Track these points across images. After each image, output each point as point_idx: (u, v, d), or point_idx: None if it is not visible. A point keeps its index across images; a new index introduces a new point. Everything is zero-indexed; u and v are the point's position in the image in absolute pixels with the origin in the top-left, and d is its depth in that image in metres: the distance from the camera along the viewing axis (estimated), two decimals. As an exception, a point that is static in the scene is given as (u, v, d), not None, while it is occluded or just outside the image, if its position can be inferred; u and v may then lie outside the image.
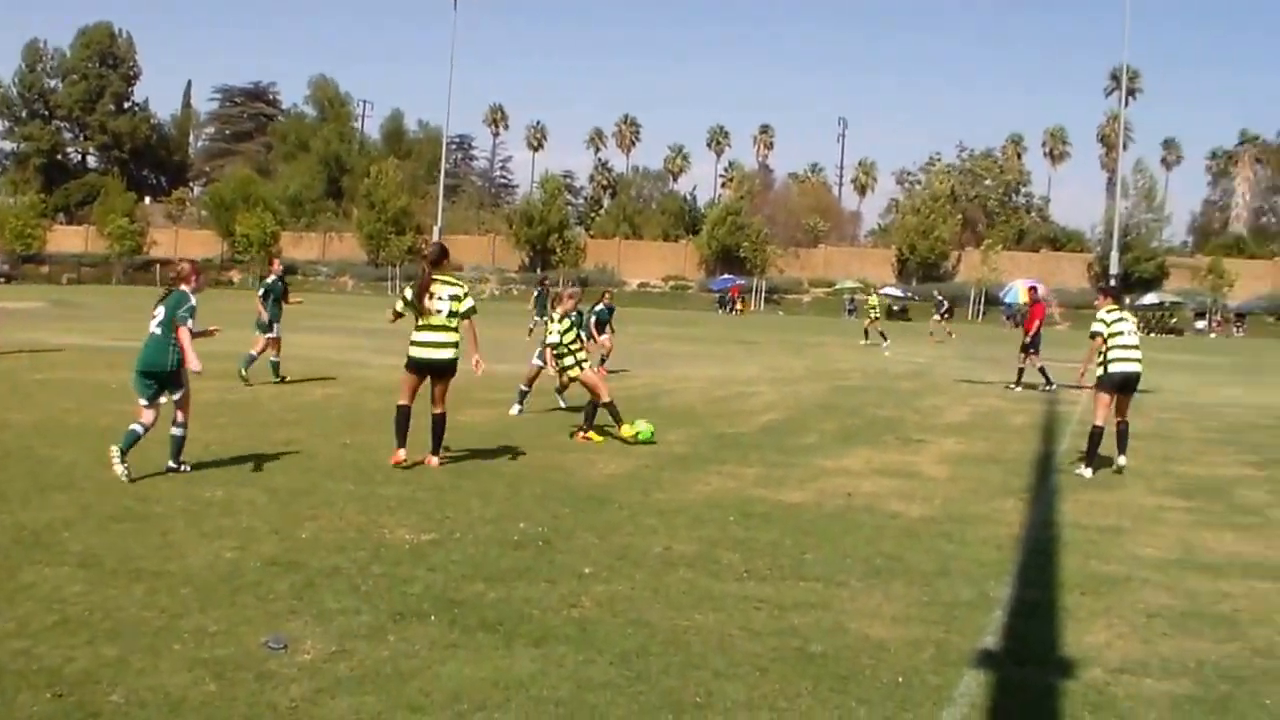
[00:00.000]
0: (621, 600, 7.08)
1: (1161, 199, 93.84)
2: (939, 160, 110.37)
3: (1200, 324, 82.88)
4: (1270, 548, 9.57)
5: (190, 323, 10.44)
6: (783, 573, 7.94)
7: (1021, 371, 24.92)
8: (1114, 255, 73.12)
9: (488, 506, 9.78)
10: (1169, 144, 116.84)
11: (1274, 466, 14.37)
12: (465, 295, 11.62)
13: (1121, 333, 13.15)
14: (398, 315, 11.82)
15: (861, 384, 25.04)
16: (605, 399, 14.43)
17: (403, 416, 11.65)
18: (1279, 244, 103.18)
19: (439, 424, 11.75)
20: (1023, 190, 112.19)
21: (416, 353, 11.50)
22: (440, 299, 11.42)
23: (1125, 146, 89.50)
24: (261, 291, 20.10)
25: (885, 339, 41.48)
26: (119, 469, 10.17)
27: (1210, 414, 20.98)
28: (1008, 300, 74.25)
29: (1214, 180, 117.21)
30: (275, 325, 19.73)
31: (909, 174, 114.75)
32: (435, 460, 11.71)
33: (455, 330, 11.52)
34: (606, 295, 24.75)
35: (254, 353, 19.48)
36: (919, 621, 6.92)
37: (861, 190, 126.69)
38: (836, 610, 7.07)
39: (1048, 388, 24.11)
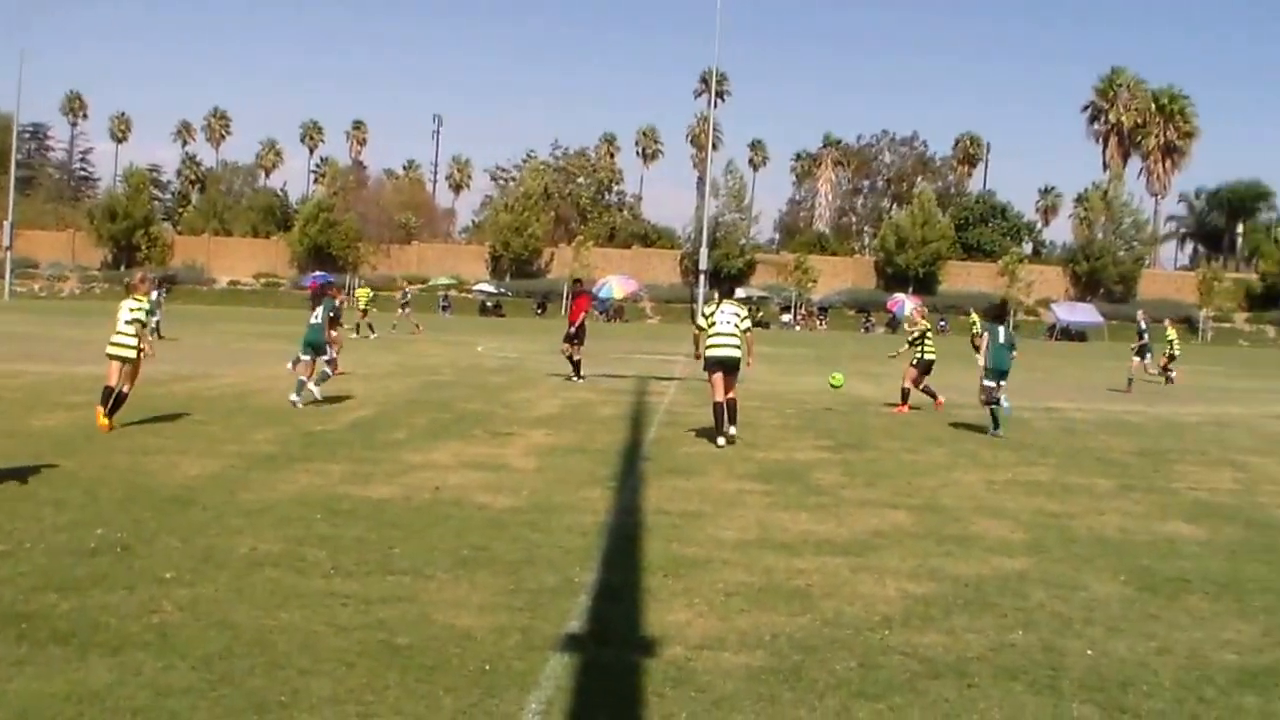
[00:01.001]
0: (205, 603, 6.93)
1: (749, 198, 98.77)
2: (534, 158, 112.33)
3: (786, 317, 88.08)
4: (841, 525, 10.23)
5: None
6: (369, 568, 7.97)
7: (578, 364, 25.61)
8: (704, 252, 76.30)
9: (62, 514, 9.31)
10: (756, 145, 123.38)
11: (847, 450, 15.37)
12: None
13: (716, 324, 15.64)
14: None
15: (452, 379, 25.30)
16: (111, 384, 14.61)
17: None
18: (858, 242, 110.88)
19: None
20: (615, 188, 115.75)
21: None
22: None
23: (715, 147, 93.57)
24: None
25: (373, 331, 42.99)
26: None
27: (790, 402, 22.17)
28: (601, 295, 76.84)
29: (798, 181, 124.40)
30: None
31: (504, 171, 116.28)
32: None
33: None
34: (340, 297, 24.08)
35: None
36: (505, 609, 7.08)
37: (456, 187, 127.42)
38: (423, 602, 7.16)
39: (576, 378, 25.09)
